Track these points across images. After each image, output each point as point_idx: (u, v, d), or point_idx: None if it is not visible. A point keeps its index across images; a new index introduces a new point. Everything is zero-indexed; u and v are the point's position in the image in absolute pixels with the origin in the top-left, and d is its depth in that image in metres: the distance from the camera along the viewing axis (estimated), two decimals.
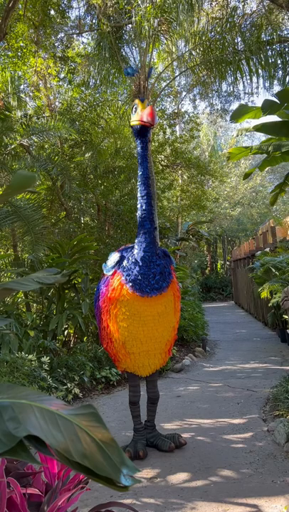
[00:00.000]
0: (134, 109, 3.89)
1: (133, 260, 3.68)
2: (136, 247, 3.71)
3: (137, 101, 3.91)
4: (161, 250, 3.87)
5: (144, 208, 3.72)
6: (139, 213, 3.76)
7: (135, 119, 3.84)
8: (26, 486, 1.56)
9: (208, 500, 3.11)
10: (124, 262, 3.75)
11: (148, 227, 3.68)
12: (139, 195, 3.79)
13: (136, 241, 3.74)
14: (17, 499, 1.40)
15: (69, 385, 5.57)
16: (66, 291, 7.46)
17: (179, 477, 3.51)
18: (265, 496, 3.12)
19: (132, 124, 3.93)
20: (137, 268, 3.64)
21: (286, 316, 9.00)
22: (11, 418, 0.68)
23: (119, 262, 3.82)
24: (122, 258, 3.82)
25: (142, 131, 3.83)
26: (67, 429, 0.71)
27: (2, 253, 8.97)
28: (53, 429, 0.70)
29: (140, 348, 3.81)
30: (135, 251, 3.70)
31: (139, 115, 3.78)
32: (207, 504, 3.06)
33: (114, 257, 3.90)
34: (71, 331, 7.58)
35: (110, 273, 3.88)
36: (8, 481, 1.42)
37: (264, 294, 9.50)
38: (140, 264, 3.63)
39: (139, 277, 3.62)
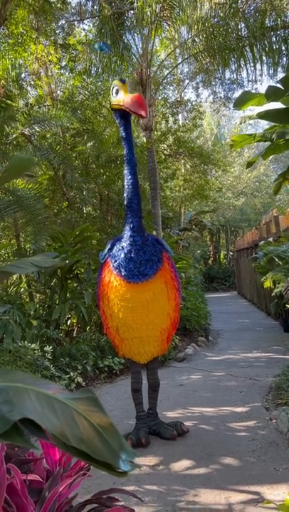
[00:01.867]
0: (114, 91, 3.67)
1: (120, 247, 3.74)
2: (123, 234, 3.76)
3: (116, 82, 3.67)
4: (152, 237, 3.92)
5: (129, 196, 3.71)
6: (125, 202, 3.76)
7: (116, 103, 3.62)
8: (27, 472, 1.55)
9: (210, 488, 3.12)
10: (114, 249, 3.82)
11: (134, 215, 3.68)
12: (125, 183, 3.75)
13: (124, 229, 3.77)
14: (18, 485, 1.39)
15: (72, 374, 5.58)
16: (69, 281, 7.46)
17: (181, 465, 3.52)
18: (267, 483, 3.13)
19: (113, 106, 3.71)
20: (122, 254, 3.68)
21: None
22: (5, 401, 0.66)
23: (110, 250, 3.89)
24: (112, 246, 3.89)
25: (126, 115, 3.73)
26: (64, 413, 0.69)
27: (5, 243, 8.96)
28: (49, 412, 0.68)
29: (132, 334, 3.83)
30: (122, 238, 3.75)
31: (122, 100, 3.55)
32: (209, 491, 3.07)
33: (107, 246, 3.97)
34: (74, 321, 7.60)
35: (103, 261, 3.95)
36: (9, 468, 1.41)
37: (267, 284, 9.46)
38: (125, 251, 3.66)
39: (124, 263, 3.66)
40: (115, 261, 3.73)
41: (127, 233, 3.69)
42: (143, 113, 3.43)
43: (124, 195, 3.76)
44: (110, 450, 0.69)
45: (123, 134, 3.83)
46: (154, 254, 3.72)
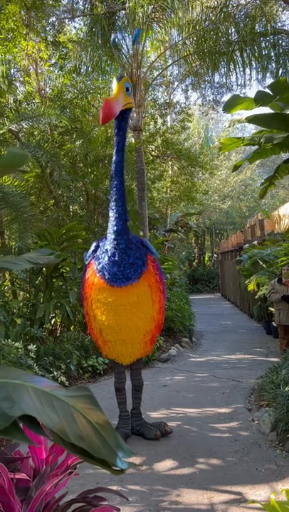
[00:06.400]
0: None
1: (104, 250, 3.68)
2: (107, 236, 3.70)
3: (114, 80, 3.65)
4: (137, 240, 3.85)
5: (114, 198, 3.62)
6: (110, 204, 3.68)
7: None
8: (14, 471, 1.54)
9: (193, 488, 3.14)
10: (98, 251, 3.77)
11: (118, 218, 3.59)
12: (111, 185, 3.67)
13: (107, 231, 3.70)
14: (5, 484, 1.38)
15: (55, 373, 5.55)
16: (54, 279, 7.40)
17: (164, 465, 3.53)
18: (249, 483, 3.16)
19: None
20: (106, 257, 3.63)
21: (272, 309, 9.08)
22: (5, 398, 0.66)
23: (94, 251, 3.83)
24: (97, 247, 3.83)
25: (119, 115, 3.62)
26: (63, 410, 0.69)
27: None
28: (48, 409, 0.68)
29: (115, 336, 3.81)
30: (106, 241, 3.69)
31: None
32: (192, 491, 3.09)
33: (92, 246, 3.92)
34: (58, 320, 7.54)
35: (87, 262, 3.90)
36: None
37: (251, 287, 9.55)
38: (109, 254, 3.61)
39: (107, 267, 3.61)
40: (99, 263, 3.67)
41: (110, 236, 3.61)
42: (100, 120, 3.35)
43: (110, 197, 3.69)
44: (108, 448, 0.70)
45: (115, 135, 3.75)
46: (138, 257, 3.67)
